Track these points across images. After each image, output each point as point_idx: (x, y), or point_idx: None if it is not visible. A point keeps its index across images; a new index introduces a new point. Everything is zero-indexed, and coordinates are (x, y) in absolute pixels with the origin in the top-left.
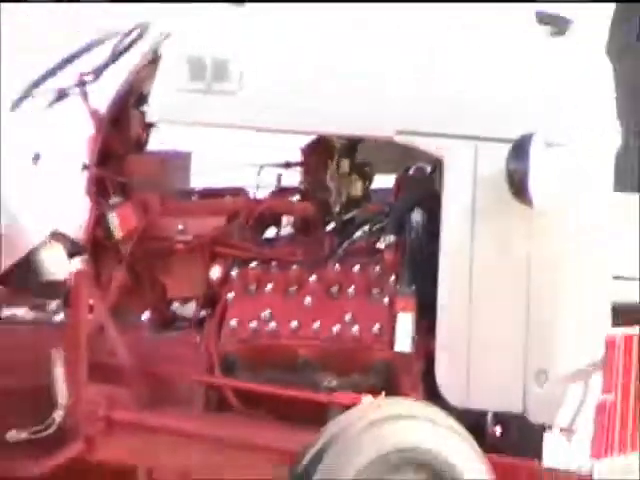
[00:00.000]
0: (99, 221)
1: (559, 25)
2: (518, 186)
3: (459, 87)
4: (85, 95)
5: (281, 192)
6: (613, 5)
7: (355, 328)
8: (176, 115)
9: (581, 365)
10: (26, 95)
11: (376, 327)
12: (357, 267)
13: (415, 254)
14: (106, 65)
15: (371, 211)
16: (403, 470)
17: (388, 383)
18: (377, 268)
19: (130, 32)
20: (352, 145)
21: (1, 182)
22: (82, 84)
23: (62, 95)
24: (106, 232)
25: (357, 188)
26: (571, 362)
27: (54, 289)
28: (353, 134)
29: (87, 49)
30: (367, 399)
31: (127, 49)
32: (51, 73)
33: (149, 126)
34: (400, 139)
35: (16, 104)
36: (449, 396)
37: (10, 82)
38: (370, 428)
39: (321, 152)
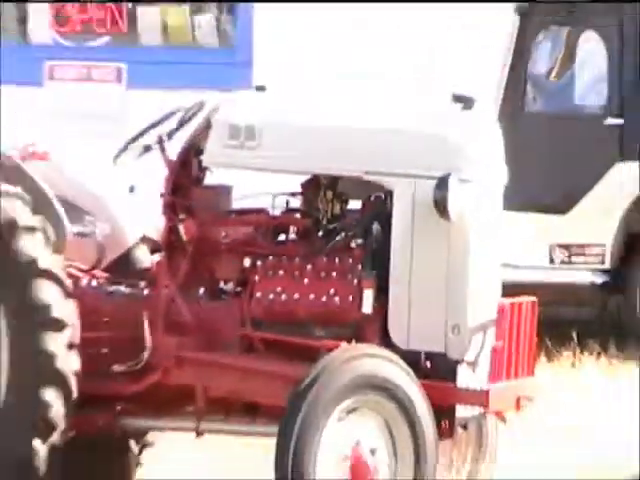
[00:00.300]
0: (172, 230)
1: (467, 103)
2: (441, 207)
3: (403, 143)
4: (163, 149)
5: (289, 211)
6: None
7: (337, 299)
8: (221, 162)
9: (481, 322)
10: (124, 149)
11: (350, 298)
12: (337, 259)
13: (375, 251)
14: (176, 130)
15: (346, 223)
16: (366, 391)
17: (358, 334)
18: (350, 260)
19: (191, 108)
20: (334, 180)
21: (109, 202)
22: (160, 142)
23: (148, 149)
24: (176, 237)
25: (337, 209)
26: (475, 320)
27: (143, 273)
28: (335, 173)
29: (164, 119)
30: (344, 345)
31: (189, 119)
32: (140, 134)
33: (204, 169)
34: (366, 177)
35: (117, 155)
36: (397, 341)
37: None
38: (346, 362)
39: (314, 186)
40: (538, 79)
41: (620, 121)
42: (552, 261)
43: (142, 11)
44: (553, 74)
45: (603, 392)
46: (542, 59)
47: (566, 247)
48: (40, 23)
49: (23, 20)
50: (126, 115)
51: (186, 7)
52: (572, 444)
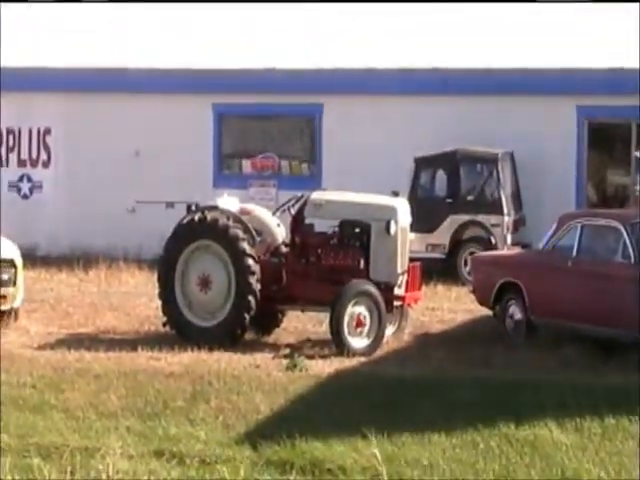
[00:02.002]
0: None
1: (396, 194)
2: (388, 230)
3: (376, 207)
4: (289, 210)
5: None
6: None
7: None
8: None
9: (403, 269)
10: (277, 211)
11: (350, 262)
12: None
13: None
14: (296, 202)
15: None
16: (361, 300)
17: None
18: (358, 252)
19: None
20: (349, 222)
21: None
22: (289, 207)
23: (283, 210)
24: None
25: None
26: (401, 269)
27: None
28: (355, 219)
29: (293, 199)
30: (353, 281)
31: (297, 201)
32: (284, 205)
33: (303, 218)
34: (365, 220)
35: (274, 212)
36: (373, 278)
37: None
38: (353, 287)
39: (343, 224)
40: None
41: None
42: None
43: None
44: None
45: None
46: None
47: None
48: None
49: None
50: None
51: None
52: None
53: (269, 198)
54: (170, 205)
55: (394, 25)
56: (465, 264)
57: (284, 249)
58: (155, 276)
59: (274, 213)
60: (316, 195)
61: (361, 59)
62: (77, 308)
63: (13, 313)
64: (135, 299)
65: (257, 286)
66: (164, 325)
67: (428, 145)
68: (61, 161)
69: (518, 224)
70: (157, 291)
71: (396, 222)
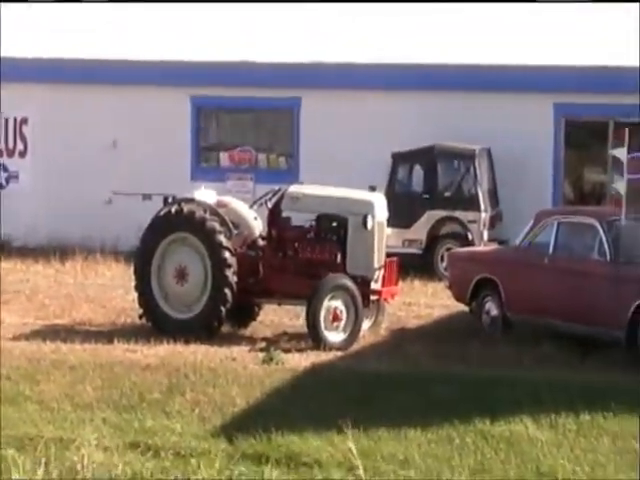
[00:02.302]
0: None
1: (374, 188)
2: (365, 225)
3: (354, 202)
4: (266, 203)
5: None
6: None
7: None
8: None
9: (380, 264)
10: (254, 204)
11: (327, 256)
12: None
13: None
14: (273, 196)
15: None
16: (338, 294)
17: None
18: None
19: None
20: (327, 215)
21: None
22: (266, 200)
23: (260, 203)
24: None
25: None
26: (378, 264)
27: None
28: (332, 213)
29: (270, 193)
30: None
31: (275, 194)
32: (260, 198)
33: (280, 212)
34: (342, 214)
35: (251, 205)
36: (350, 272)
37: None
38: (330, 281)
39: (321, 217)
40: None
41: None
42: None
43: None
44: None
45: None
46: None
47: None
48: None
49: None
50: None
51: None
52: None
53: (246, 191)
54: (147, 197)
55: (374, 21)
56: (442, 260)
57: (261, 242)
58: (132, 268)
59: (251, 206)
60: (293, 189)
61: (340, 53)
62: (53, 299)
63: None
64: (111, 291)
65: (234, 279)
66: (140, 317)
67: (406, 140)
68: (38, 151)
69: (495, 220)
70: (133, 283)
71: (373, 217)
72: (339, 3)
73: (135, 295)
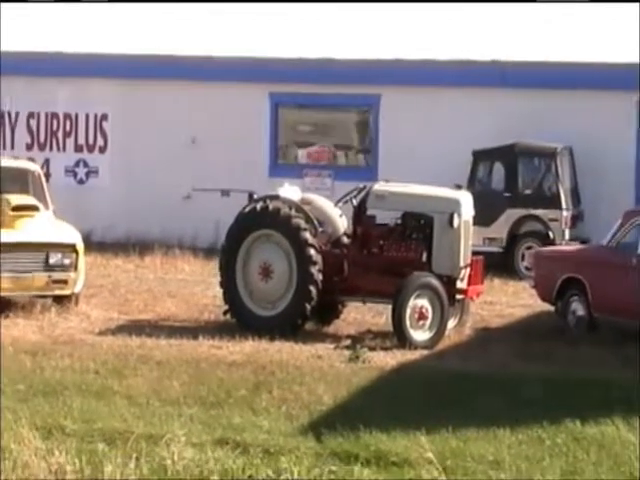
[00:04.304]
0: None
1: (459, 187)
2: (451, 223)
3: (441, 199)
4: (351, 201)
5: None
6: None
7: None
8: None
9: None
10: (339, 201)
11: (412, 254)
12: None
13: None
14: (358, 193)
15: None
16: (423, 293)
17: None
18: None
19: (362, 188)
20: (413, 214)
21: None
22: (351, 198)
23: (345, 201)
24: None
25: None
26: (463, 263)
27: None
28: (418, 211)
29: (355, 190)
30: (415, 273)
31: (360, 192)
32: (347, 195)
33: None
34: (429, 213)
35: (336, 203)
36: (436, 270)
37: None
38: (416, 280)
39: (406, 216)
40: None
41: None
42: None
43: None
44: None
45: None
46: None
47: None
48: None
49: None
50: None
51: None
52: None
53: (325, 188)
54: (225, 193)
55: (453, 17)
56: (522, 258)
57: (345, 240)
58: (210, 264)
59: (336, 204)
60: (379, 186)
61: (420, 50)
62: (135, 294)
63: (74, 298)
64: (192, 287)
65: (319, 276)
66: (225, 313)
67: (486, 138)
68: (117, 147)
69: (576, 219)
70: (218, 279)
71: (459, 215)
72: (416, 3)
73: (218, 291)
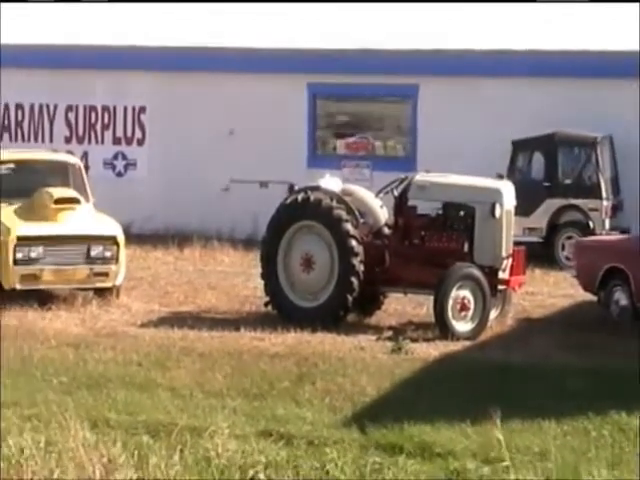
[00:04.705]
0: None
1: (501, 176)
2: (492, 213)
3: (483, 189)
4: (392, 192)
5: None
6: None
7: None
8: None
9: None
10: (379, 192)
11: (454, 245)
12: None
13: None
14: (399, 183)
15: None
16: (465, 283)
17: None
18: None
19: (403, 179)
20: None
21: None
22: (392, 188)
23: (386, 192)
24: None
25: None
26: (505, 253)
27: None
28: (460, 201)
29: (396, 181)
30: (457, 264)
31: (401, 182)
32: (387, 186)
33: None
34: (470, 203)
35: (377, 194)
36: (477, 261)
37: None
38: (458, 271)
39: (447, 206)
40: None
41: None
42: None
43: None
44: None
45: None
46: None
47: None
48: None
49: None
50: None
51: None
52: None
53: (363, 179)
54: (264, 185)
55: (491, 7)
56: (562, 248)
57: (387, 231)
58: (249, 256)
59: (377, 195)
60: (420, 177)
61: (458, 40)
62: (175, 286)
63: (115, 290)
64: (232, 278)
65: (360, 267)
66: (266, 305)
67: (524, 128)
68: (155, 139)
69: (616, 209)
70: (260, 271)
71: (501, 205)
72: None
73: (258, 283)
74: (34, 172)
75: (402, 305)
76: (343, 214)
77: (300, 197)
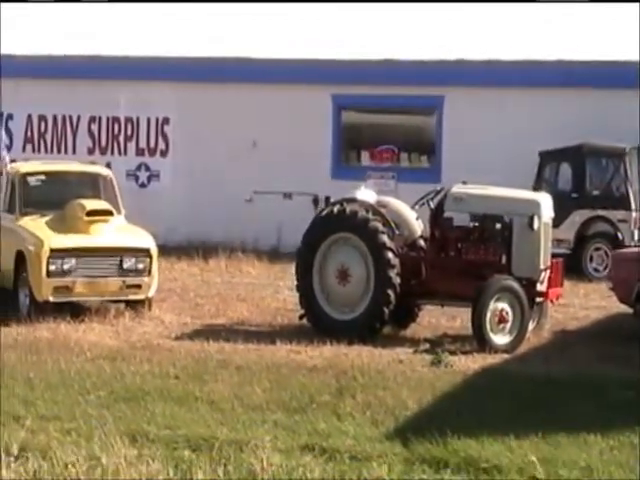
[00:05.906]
0: (433, 231)
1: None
2: (531, 225)
3: (521, 200)
4: (428, 203)
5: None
6: None
7: (482, 259)
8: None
9: (545, 265)
10: (416, 203)
11: (491, 257)
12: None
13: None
14: (436, 194)
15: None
16: (503, 295)
17: (498, 273)
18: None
19: (439, 190)
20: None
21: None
22: (428, 200)
23: (422, 203)
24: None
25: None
26: (543, 265)
27: None
28: (494, 213)
29: (433, 192)
30: (495, 276)
31: (437, 194)
32: (425, 196)
33: (443, 212)
34: (506, 215)
35: (413, 205)
36: (515, 273)
37: None
38: (495, 283)
39: (483, 217)
40: None
41: None
42: None
43: None
44: None
45: None
46: None
47: None
48: None
49: None
50: None
51: None
52: None
53: (388, 190)
54: (288, 196)
55: (517, 16)
56: (591, 260)
57: (422, 243)
58: (275, 267)
59: (413, 206)
60: (456, 189)
61: (483, 51)
62: (205, 298)
63: (147, 303)
64: (260, 290)
65: (397, 280)
66: (301, 318)
67: (551, 139)
68: (179, 150)
69: None
70: (286, 283)
71: (539, 217)
72: (481, 3)
73: (287, 295)
74: (65, 184)
75: (436, 318)
76: (379, 226)
77: (336, 209)
